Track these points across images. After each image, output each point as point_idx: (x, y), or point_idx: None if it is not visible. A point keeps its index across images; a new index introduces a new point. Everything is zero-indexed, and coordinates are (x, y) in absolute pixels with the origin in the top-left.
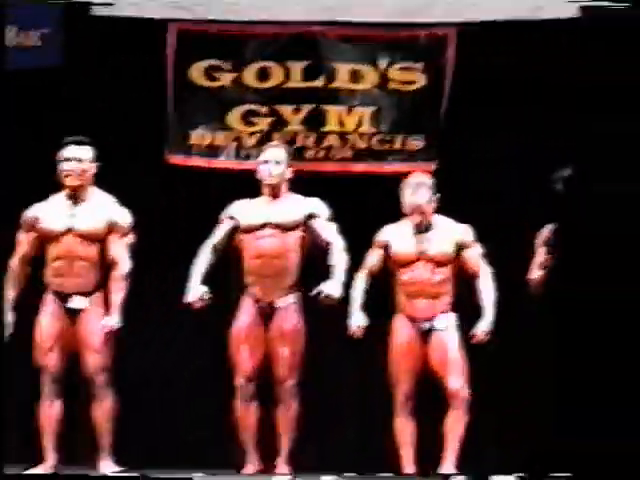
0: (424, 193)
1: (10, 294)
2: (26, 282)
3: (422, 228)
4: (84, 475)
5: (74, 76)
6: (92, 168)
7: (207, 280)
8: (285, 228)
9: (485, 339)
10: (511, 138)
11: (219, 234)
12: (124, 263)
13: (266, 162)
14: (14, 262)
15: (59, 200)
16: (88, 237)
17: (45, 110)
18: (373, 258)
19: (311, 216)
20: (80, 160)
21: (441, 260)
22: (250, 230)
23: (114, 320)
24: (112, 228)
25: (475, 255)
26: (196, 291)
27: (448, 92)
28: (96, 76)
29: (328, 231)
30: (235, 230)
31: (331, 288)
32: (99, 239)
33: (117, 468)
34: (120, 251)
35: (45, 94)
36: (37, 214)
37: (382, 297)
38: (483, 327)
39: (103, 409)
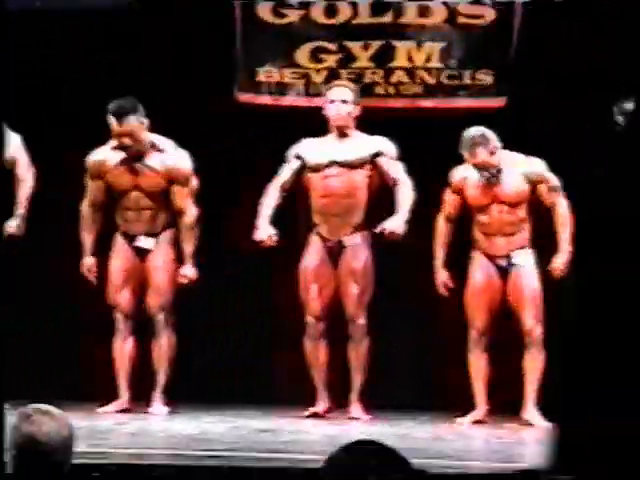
0: (482, 150)
1: (85, 238)
2: (99, 227)
3: (490, 177)
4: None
5: (136, 13)
6: (144, 124)
7: (275, 219)
8: (352, 166)
9: (563, 273)
10: (584, 75)
11: (286, 173)
12: (190, 212)
13: (332, 101)
14: (84, 207)
15: (118, 152)
16: (151, 193)
17: (103, 51)
18: (450, 203)
19: (378, 154)
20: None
21: (514, 201)
22: (317, 169)
23: (189, 270)
24: (173, 177)
25: (549, 189)
26: (264, 231)
27: (518, 26)
28: (160, 13)
29: (395, 169)
30: (302, 169)
31: (395, 224)
32: (162, 192)
33: (166, 409)
34: (185, 201)
35: (105, 34)
36: (104, 160)
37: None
38: (560, 261)
39: (161, 348)
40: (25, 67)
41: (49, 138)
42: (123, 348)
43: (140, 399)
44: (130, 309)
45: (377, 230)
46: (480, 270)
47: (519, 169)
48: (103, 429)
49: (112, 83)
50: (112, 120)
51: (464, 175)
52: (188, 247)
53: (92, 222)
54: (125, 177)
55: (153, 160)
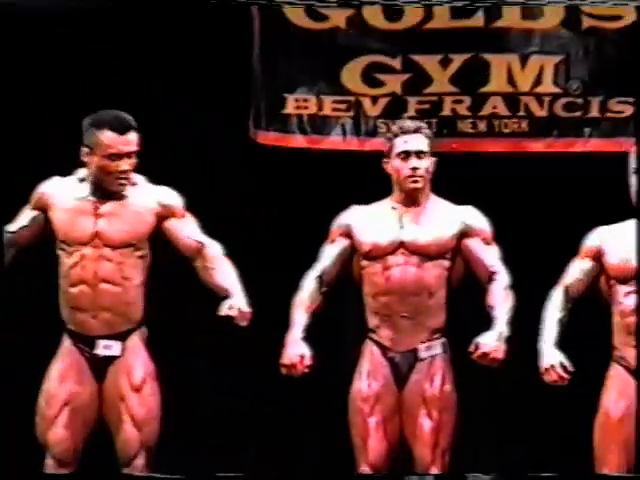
0: None
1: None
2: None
3: None
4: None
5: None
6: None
7: (311, 328)
8: (427, 254)
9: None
10: None
11: (328, 259)
12: (212, 242)
13: (406, 155)
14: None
15: (79, 186)
16: (120, 246)
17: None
18: (576, 270)
19: (464, 234)
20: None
21: None
22: (376, 255)
23: (241, 302)
24: (169, 212)
25: None
26: (295, 349)
27: None
28: (150, 15)
29: (488, 257)
30: (352, 252)
31: (492, 343)
32: (140, 244)
33: None
34: (197, 233)
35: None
36: (54, 193)
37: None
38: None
39: None
40: None
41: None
42: None
43: None
44: (71, 452)
45: (470, 349)
46: (619, 392)
47: None
48: None
49: (93, 103)
50: (108, 135)
51: (606, 237)
52: (230, 279)
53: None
54: (81, 221)
55: (130, 198)
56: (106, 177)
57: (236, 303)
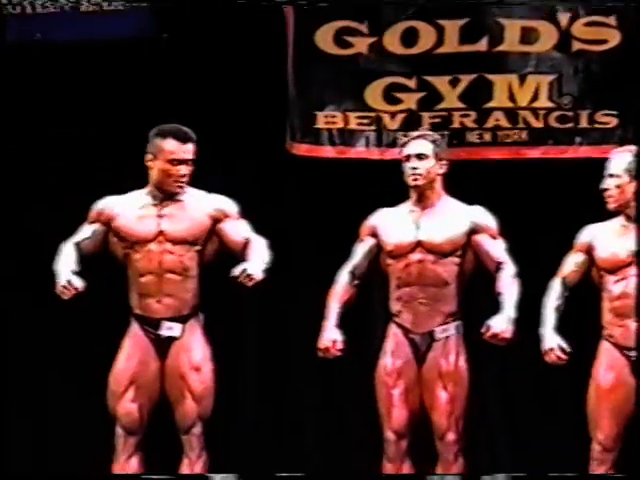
0: (624, 160)
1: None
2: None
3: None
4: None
5: (168, 49)
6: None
7: (346, 315)
8: (441, 251)
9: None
10: None
11: (358, 256)
12: (258, 238)
13: (407, 157)
14: (65, 245)
15: (140, 197)
16: (181, 243)
17: (132, 92)
18: (571, 263)
19: (474, 231)
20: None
21: None
22: (398, 254)
23: (259, 267)
24: (223, 214)
25: None
26: (329, 335)
27: None
28: (195, 46)
29: (495, 250)
30: (378, 250)
31: (502, 325)
32: (198, 242)
33: None
34: (247, 231)
35: (135, 72)
36: (114, 206)
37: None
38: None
39: (195, 473)
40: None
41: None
42: (126, 471)
43: None
44: (137, 423)
45: (482, 331)
46: (608, 365)
47: None
48: None
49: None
50: (171, 142)
51: (596, 233)
52: (263, 255)
53: (71, 256)
54: (145, 222)
55: (188, 201)
56: (167, 179)
57: (248, 267)
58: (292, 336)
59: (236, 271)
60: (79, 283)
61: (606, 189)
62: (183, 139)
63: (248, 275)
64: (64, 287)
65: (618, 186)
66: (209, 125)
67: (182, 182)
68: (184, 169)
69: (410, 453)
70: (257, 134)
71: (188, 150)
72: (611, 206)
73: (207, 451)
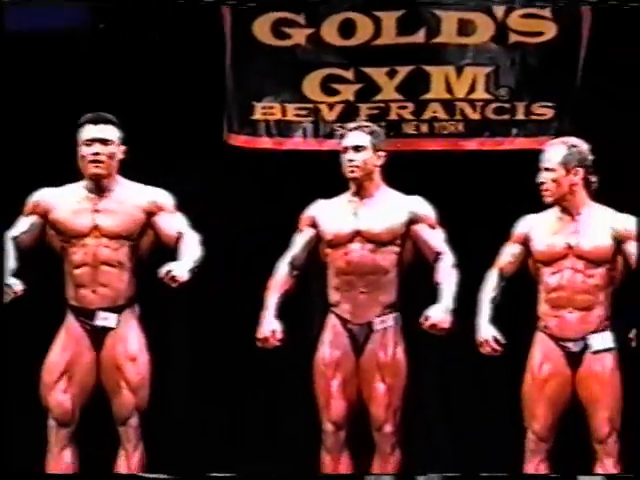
0: (560, 151)
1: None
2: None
3: (573, 217)
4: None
5: (105, 40)
6: (120, 152)
7: (284, 305)
8: (380, 241)
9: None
10: None
11: (297, 247)
12: (192, 233)
13: (345, 149)
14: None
15: (76, 191)
16: (116, 237)
17: (68, 82)
18: (508, 254)
19: (412, 221)
20: (105, 142)
21: (594, 257)
22: (337, 243)
23: (184, 267)
24: (158, 207)
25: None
26: (268, 325)
27: (587, 45)
28: (132, 36)
29: (434, 239)
30: (317, 240)
31: (440, 315)
32: (133, 235)
33: None
34: (181, 224)
35: (72, 63)
36: (50, 199)
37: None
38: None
39: (131, 464)
40: None
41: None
42: (58, 464)
43: None
44: (69, 414)
45: (420, 320)
46: (544, 355)
47: (602, 219)
48: None
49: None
50: (88, 128)
51: (532, 224)
52: (193, 253)
53: (10, 253)
54: (81, 216)
55: (123, 195)
56: (82, 162)
57: (173, 267)
58: (230, 328)
59: (161, 272)
60: (19, 287)
61: (542, 183)
62: (95, 121)
63: (172, 277)
64: (5, 292)
65: (554, 180)
66: (146, 117)
67: (98, 163)
68: (98, 148)
69: (348, 444)
70: (195, 126)
71: (101, 130)
72: (548, 199)
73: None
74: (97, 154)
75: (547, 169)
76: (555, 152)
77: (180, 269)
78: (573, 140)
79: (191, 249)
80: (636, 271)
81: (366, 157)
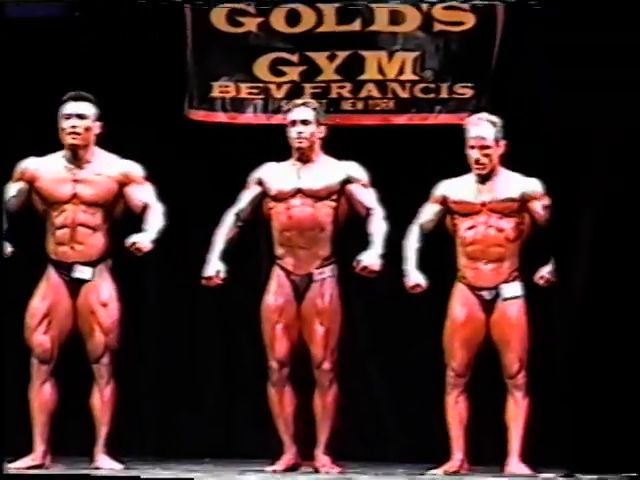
0: (488, 128)
1: None
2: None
3: (484, 177)
4: (84, 475)
5: (79, 25)
6: (95, 126)
7: (231, 251)
8: (318, 196)
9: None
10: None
11: (244, 201)
12: (157, 205)
13: (293, 122)
14: None
15: (58, 161)
16: (93, 205)
17: (48, 63)
18: (428, 212)
19: (347, 181)
20: (82, 117)
21: (505, 210)
22: (280, 198)
23: (147, 238)
24: (129, 179)
25: (542, 207)
26: (213, 267)
27: (501, 33)
28: (105, 23)
29: (367, 197)
30: (263, 196)
31: (371, 259)
32: (107, 203)
33: (115, 464)
34: (149, 195)
35: (48, 45)
36: (36, 168)
37: (437, 260)
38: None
39: (104, 396)
40: None
41: None
42: (39, 396)
43: (85, 454)
44: (49, 353)
45: (353, 265)
46: (462, 303)
47: (515, 182)
48: None
49: (55, 96)
50: (68, 105)
51: (450, 186)
52: (155, 223)
53: None
54: (63, 186)
55: (99, 166)
56: (62, 134)
57: (137, 239)
58: (190, 279)
59: (127, 242)
60: (8, 249)
61: (477, 159)
62: (75, 98)
63: (137, 247)
64: None
65: (488, 155)
66: (120, 96)
67: (75, 135)
68: (75, 122)
69: (291, 380)
70: (160, 103)
71: (79, 106)
72: (482, 172)
73: (115, 379)
74: (74, 127)
75: (483, 146)
76: (486, 130)
77: (143, 240)
78: (492, 117)
79: (155, 220)
80: (540, 228)
81: (312, 130)
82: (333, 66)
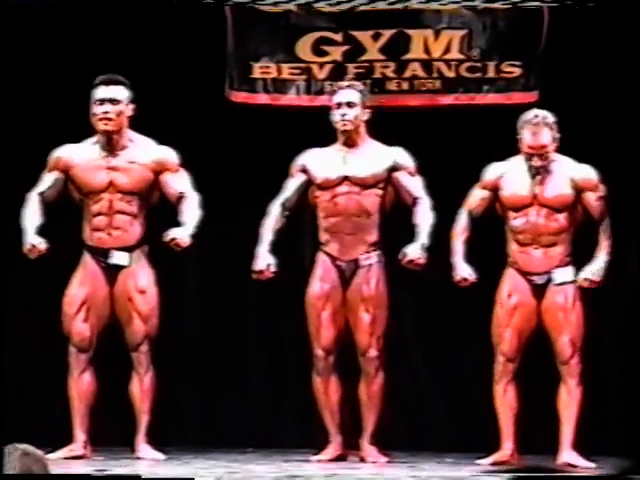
0: (546, 133)
1: (28, 221)
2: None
3: (539, 170)
4: (85, 475)
5: (118, 9)
6: (129, 110)
7: (277, 242)
8: (365, 184)
9: (590, 285)
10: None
11: (290, 190)
12: (193, 194)
13: (338, 105)
14: (31, 194)
15: (91, 148)
16: (128, 193)
17: (81, 45)
18: (477, 197)
19: (394, 168)
20: (114, 101)
21: (557, 205)
22: (326, 186)
23: (186, 233)
24: (164, 167)
25: (597, 198)
26: (263, 260)
27: (549, 11)
28: (145, 6)
29: (414, 186)
30: (308, 184)
31: (416, 252)
32: (142, 191)
33: (158, 454)
34: (184, 184)
35: (80, 27)
36: (70, 156)
37: (488, 246)
38: (590, 273)
39: (144, 385)
40: None
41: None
42: (78, 385)
43: (125, 444)
44: (87, 341)
45: (399, 257)
46: (512, 288)
47: (567, 172)
48: None
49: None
50: (100, 90)
51: (501, 172)
52: (192, 217)
53: (36, 209)
54: (98, 174)
55: (133, 153)
56: (94, 119)
57: (176, 232)
58: (232, 267)
59: (167, 237)
60: (43, 246)
61: (544, 145)
62: (107, 82)
63: (176, 243)
64: (29, 250)
65: (552, 138)
66: (159, 78)
67: (107, 121)
68: (107, 107)
69: (336, 368)
70: (201, 85)
71: (111, 90)
72: (540, 162)
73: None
74: (107, 112)
75: (549, 127)
76: (544, 113)
77: (183, 236)
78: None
79: (191, 213)
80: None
81: (357, 113)
82: (377, 45)
